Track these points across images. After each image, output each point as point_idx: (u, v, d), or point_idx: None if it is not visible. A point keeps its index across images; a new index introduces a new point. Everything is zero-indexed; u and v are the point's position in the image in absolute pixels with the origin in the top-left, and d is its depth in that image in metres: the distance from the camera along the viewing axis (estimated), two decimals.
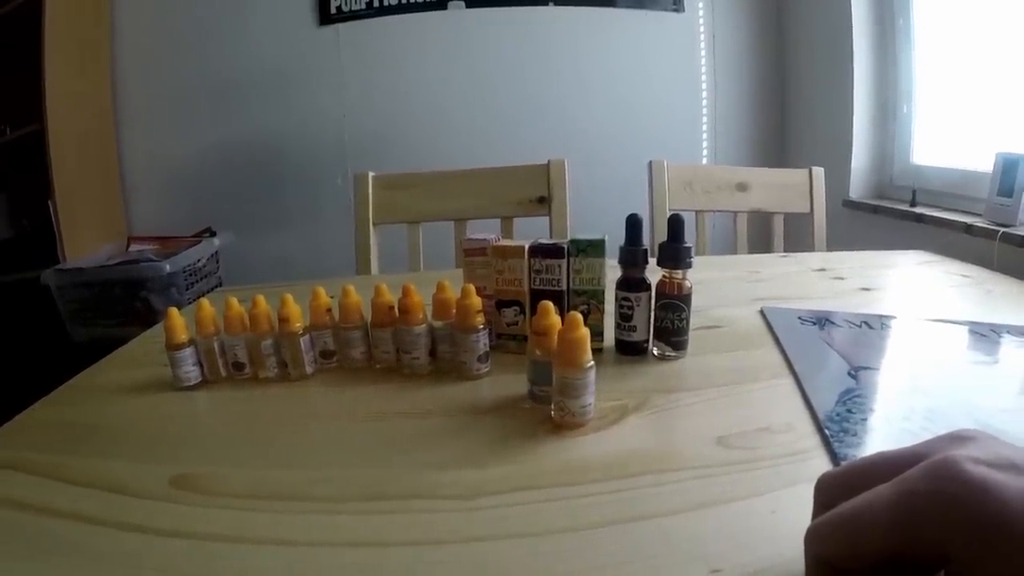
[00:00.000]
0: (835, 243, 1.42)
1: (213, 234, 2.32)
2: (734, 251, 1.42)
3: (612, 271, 0.65)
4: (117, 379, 0.71)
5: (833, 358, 0.65)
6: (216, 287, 2.24)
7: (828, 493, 0.31)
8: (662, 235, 0.64)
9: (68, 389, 0.69)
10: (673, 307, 0.63)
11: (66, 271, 1.98)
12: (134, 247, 2.29)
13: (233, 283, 2.26)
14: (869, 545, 0.26)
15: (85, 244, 2.15)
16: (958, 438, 0.29)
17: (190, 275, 2.10)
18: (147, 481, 0.47)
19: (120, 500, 0.45)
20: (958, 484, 0.24)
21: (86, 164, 2.21)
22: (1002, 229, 1.36)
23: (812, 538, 0.30)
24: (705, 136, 2.45)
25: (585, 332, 0.50)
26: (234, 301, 0.65)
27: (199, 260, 2.15)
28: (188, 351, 0.64)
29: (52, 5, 1.99)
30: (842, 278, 1.00)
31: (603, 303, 0.66)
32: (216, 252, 2.28)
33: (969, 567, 0.24)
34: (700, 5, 2.34)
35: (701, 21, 2.36)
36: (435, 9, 2.28)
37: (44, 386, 0.69)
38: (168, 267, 1.95)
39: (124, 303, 2.00)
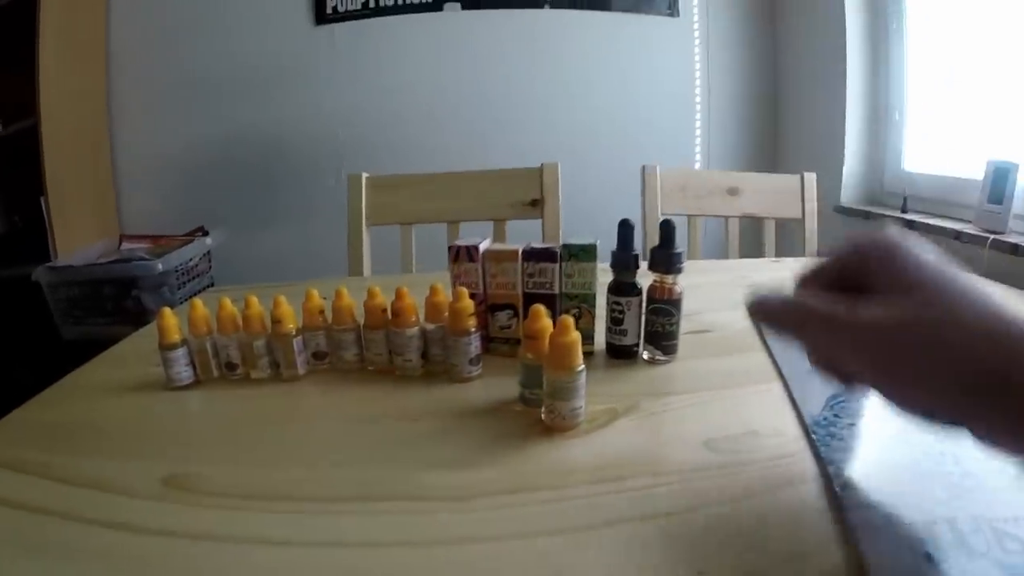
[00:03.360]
0: (827, 248, 1.43)
1: (206, 233, 2.32)
2: (726, 256, 1.43)
3: (604, 275, 0.66)
4: (109, 378, 0.71)
5: None
6: (208, 287, 2.23)
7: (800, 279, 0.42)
8: (655, 239, 0.65)
9: (60, 388, 0.69)
10: (663, 311, 0.64)
11: (58, 268, 1.97)
12: (126, 245, 2.28)
13: (225, 283, 2.26)
14: (827, 264, 0.40)
15: (77, 241, 2.14)
16: None
17: (182, 274, 2.09)
18: (139, 480, 0.48)
19: (112, 499, 0.45)
20: (886, 234, 0.37)
21: (79, 161, 2.21)
22: (992, 236, 1.37)
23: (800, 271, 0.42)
24: (698, 140, 2.46)
25: (576, 336, 0.50)
26: (227, 301, 0.65)
27: (191, 259, 2.15)
28: (181, 351, 0.64)
29: (47, 1, 1.98)
30: None
31: (594, 307, 0.67)
32: (208, 251, 2.28)
33: (876, 276, 0.35)
34: (695, 10, 2.35)
35: (696, 25, 2.37)
36: (431, 10, 2.29)
37: (35, 384, 0.69)
38: (160, 266, 1.94)
39: (115, 301, 2.00)
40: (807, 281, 0.41)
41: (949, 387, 0.31)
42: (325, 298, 0.67)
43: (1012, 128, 1.49)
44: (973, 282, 0.33)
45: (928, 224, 1.60)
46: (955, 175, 1.66)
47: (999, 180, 1.40)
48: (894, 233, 0.37)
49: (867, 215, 1.88)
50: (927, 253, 0.35)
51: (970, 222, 1.50)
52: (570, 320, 0.50)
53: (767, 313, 0.41)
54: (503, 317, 0.68)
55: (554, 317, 0.56)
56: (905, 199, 1.76)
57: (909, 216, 1.70)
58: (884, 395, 0.34)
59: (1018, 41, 1.47)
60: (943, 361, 0.31)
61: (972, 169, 1.54)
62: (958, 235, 1.47)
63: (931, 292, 0.33)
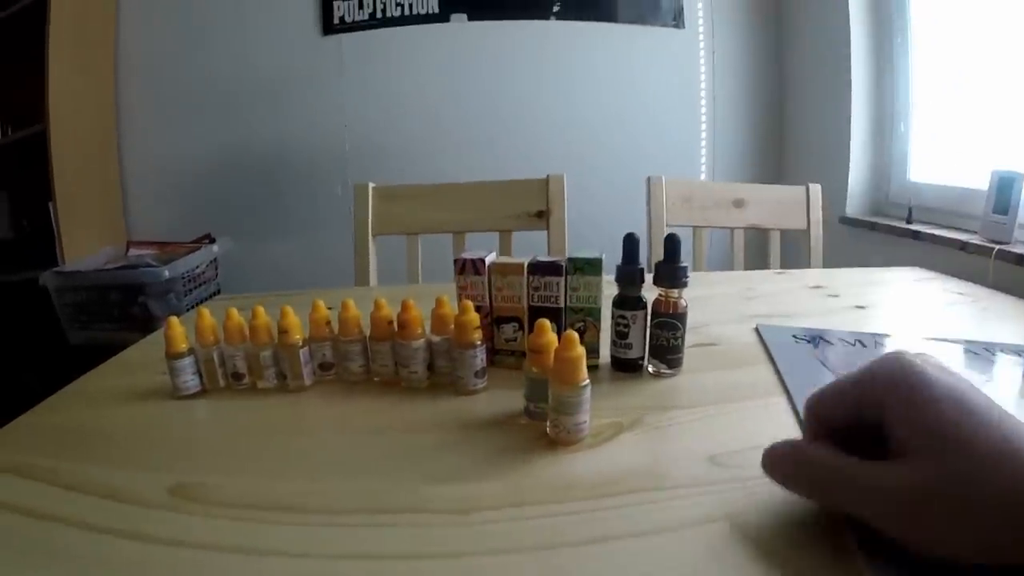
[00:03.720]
0: (832, 259, 1.43)
1: (212, 241, 2.33)
2: (731, 267, 1.43)
3: (609, 287, 0.66)
4: (116, 386, 0.72)
5: (826, 376, 0.65)
6: (214, 294, 2.24)
7: (811, 407, 0.42)
8: (659, 250, 0.65)
9: (67, 393, 0.70)
10: (668, 325, 0.64)
11: (65, 273, 1.99)
12: (133, 251, 2.29)
13: (231, 290, 2.27)
14: (841, 400, 0.40)
15: (84, 247, 2.16)
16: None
17: (188, 281, 2.10)
18: (146, 489, 0.48)
19: (119, 508, 0.46)
20: (900, 363, 0.37)
21: (87, 167, 2.22)
22: (997, 246, 1.37)
23: (809, 399, 0.42)
24: (704, 152, 2.47)
25: (581, 351, 0.50)
26: (234, 311, 0.66)
27: (198, 266, 2.16)
28: (188, 360, 0.65)
29: (57, 8, 2.00)
30: (837, 295, 1.01)
31: (599, 321, 0.67)
32: (215, 259, 2.29)
33: (893, 418, 0.35)
34: (700, 22, 2.37)
35: (701, 37, 2.38)
36: (437, 22, 2.30)
37: (41, 388, 0.69)
38: (167, 273, 1.95)
39: (122, 307, 2.01)
40: (820, 411, 0.41)
41: (995, 536, 0.31)
42: (331, 309, 0.67)
43: (1017, 138, 1.49)
44: (990, 409, 0.33)
45: (934, 235, 1.60)
46: (960, 185, 1.66)
47: (1004, 190, 1.40)
48: (904, 361, 0.37)
49: (872, 226, 1.88)
50: (938, 383, 0.35)
51: (976, 232, 1.50)
52: (575, 335, 0.50)
53: (783, 474, 0.40)
54: (509, 330, 0.69)
55: (559, 331, 0.56)
56: (910, 210, 1.76)
57: (915, 227, 1.70)
58: (923, 553, 0.33)
59: (1021, 49, 1.48)
60: (980, 517, 0.31)
61: (977, 179, 1.54)
62: (963, 245, 1.47)
63: (952, 439, 0.32)
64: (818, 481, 0.38)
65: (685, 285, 0.63)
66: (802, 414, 0.42)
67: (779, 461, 0.40)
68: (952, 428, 0.33)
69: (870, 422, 0.37)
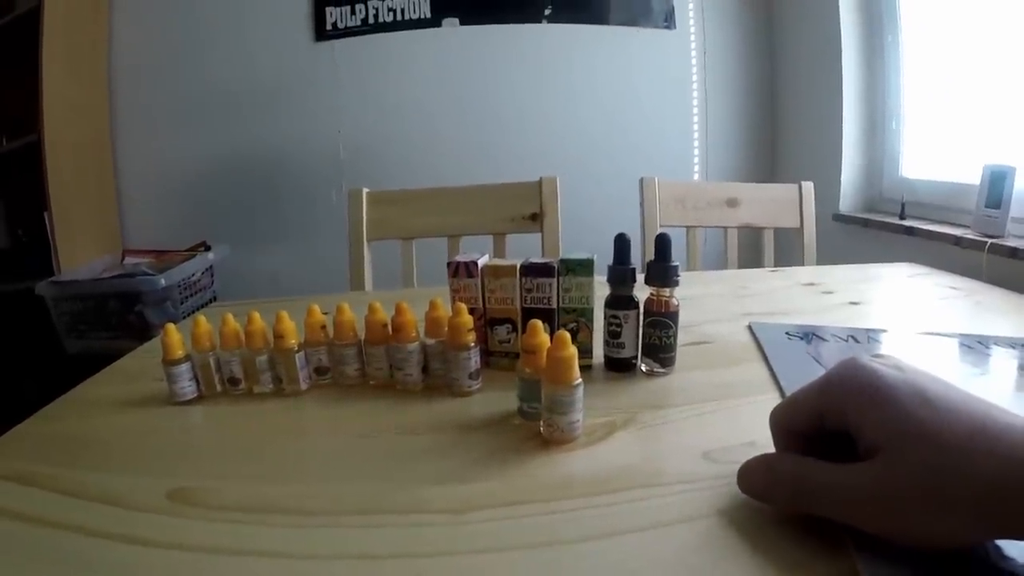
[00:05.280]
0: (826, 257, 1.44)
1: (208, 248, 2.33)
2: (725, 266, 1.43)
3: (602, 287, 0.66)
4: (113, 393, 0.72)
5: (819, 373, 0.66)
6: (211, 301, 2.24)
7: (775, 420, 0.43)
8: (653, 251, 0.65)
9: (65, 402, 0.70)
10: (661, 324, 0.64)
11: (61, 283, 1.99)
12: (129, 260, 2.29)
13: (228, 297, 2.27)
14: (803, 411, 0.40)
15: (80, 256, 2.16)
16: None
17: (185, 289, 2.10)
18: (144, 494, 0.48)
19: (118, 513, 0.46)
20: (856, 368, 0.38)
21: (82, 176, 2.22)
22: (990, 240, 1.37)
23: (773, 412, 0.43)
24: (696, 151, 2.47)
25: (573, 351, 0.51)
26: (230, 317, 0.66)
27: (194, 274, 2.16)
28: (185, 367, 0.65)
29: (50, 17, 2.01)
30: (831, 292, 1.01)
31: (592, 321, 0.67)
32: (211, 266, 2.28)
33: (859, 422, 0.36)
34: (691, 22, 2.38)
35: (692, 38, 2.39)
36: (430, 26, 2.31)
37: (39, 397, 0.70)
38: (163, 281, 1.95)
39: (118, 316, 2.01)
40: (784, 423, 0.42)
41: (971, 523, 0.32)
42: (327, 313, 0.68)
43: (1008, 132, 1.50)
44: (953, 399, 0.34)
45: (927, 230, 1.60)
46: (953, 180, 1.67)
47: (996, 184, 1.41)
48: (862, 366, 0.38)
49: (866, 223, 1.89)
50: (898, 382, 0.36)
51: (968, 227, 1.51)
52: (566, 334, 0.51)
53: (759, 488, 0.41)
54: (502, 332, 0.69)
55: (552, 331, 0.56)
56: (903, 206, 1.77)
57: (908, 223, 1.70)
58: (903, 545, 0.34)
59: (1011, 45, 1.49)
60: (955, 507, 0.31)
61: (969, 174, 1.55)
62: (957, 240, 1.48)
63: (918, 435, 0.33)
64: (793, 490, 0.38)
65: (676, 284, 0.64)
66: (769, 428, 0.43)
67: (753, 476, 0.41)
68: (918, 424, 0.33)
69: (834, 430, 0.38)
